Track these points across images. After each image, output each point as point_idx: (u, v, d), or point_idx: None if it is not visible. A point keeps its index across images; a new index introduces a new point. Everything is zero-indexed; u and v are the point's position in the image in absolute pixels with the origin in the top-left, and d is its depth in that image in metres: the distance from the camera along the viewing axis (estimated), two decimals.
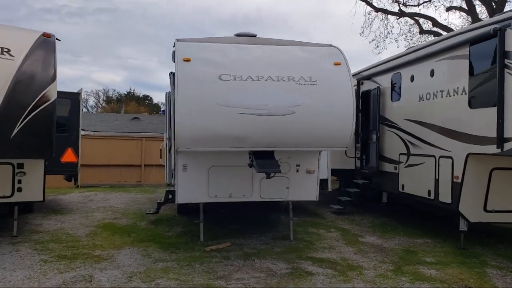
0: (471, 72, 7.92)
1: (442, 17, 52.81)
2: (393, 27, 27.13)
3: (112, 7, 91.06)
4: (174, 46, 7.37)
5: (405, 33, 25.53)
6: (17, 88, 6.87)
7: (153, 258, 7.63)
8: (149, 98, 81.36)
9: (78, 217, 11.43)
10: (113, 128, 24.52)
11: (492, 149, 7.26)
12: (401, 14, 24.96)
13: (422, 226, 10.45)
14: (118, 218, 11.36)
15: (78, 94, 12.10)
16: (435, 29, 24.47)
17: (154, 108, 74.54)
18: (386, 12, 24.72)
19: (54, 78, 7.28)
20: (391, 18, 25.08)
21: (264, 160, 7.23)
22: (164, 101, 20.00)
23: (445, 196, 8.60)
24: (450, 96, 8.51)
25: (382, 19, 25.01)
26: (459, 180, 8.18)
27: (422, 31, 25.44)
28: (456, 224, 8.52)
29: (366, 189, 12.09)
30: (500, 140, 7.09)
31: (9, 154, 7.37)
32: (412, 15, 25.12)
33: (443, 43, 8.85)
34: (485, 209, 8.23)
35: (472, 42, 7.89)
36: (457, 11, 25.89)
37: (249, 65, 7.05)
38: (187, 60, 6.87)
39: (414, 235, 9.61)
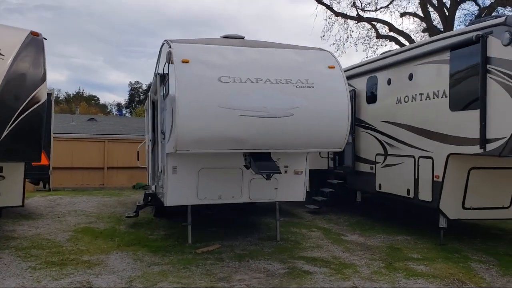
0: (452, 76, 8.31)
1: (398, 23, 54.52)
2: (352, 31, 27.63)
3: (57, 5, 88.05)
4: (169, 47, 7.29)
5: (363, 38, 26.25)
6: (7, 89, 6.60)
7: (145, 262, 7.52)
8: (96, 98, 79.28)
9: (51, 222, 11.06)
10: (71, 129, 23.76)
11: (475, 149, 7.66)
12: (359, 18, 25.66)
13: (397, 224, 10.82)
14: (93, 222, 11.08)
15: (49, 95, 11.67)
16: (392, 34, 25.33)
17: (104, 109, 72.64)
18: (345, 16, 25.34)
19: (44, 78, 7.05)
20: (351, 22, 25.74)
21: (263, 162, 7.30)
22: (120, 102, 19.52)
23: (425, 195, 8.97)
24: (430, 99, 8.89)
25: (342, 23, 25.63)
26: (440, 179, 8.56)
27: (378, 36, 26.28)
28: (432, 221, 8.91)
29: (340, 189, 12.39)
30: (483, 141, 7.49)
31: None
32: (369, 20, 25.88)
33: (422, 48, 9.24)
34: (463, 207, 8.65)
35: (453, 48, 8.28)
36: (412, 17, 26.94)
37: (248, 67, 7.10)
38: (186, 62, 6.83)
39: (393, 233, 9.95)
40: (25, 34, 7.12)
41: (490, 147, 7.43)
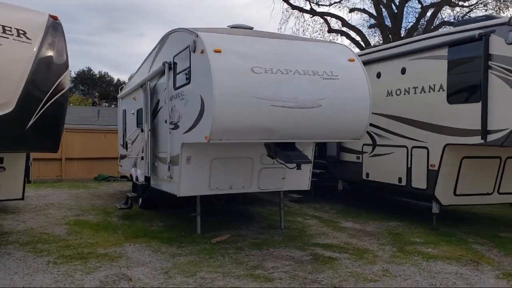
0: (450, 71, 8.87)
1: (347, 18, 56.02)
2: (309, 25, 28.19)
3: None
4: (195, 36, 7.20)
5: (317, 31, 26.89)
6: (36, 75, 6.25)
7: (167, 254, 7.45)
8: None
9: (35, 215, 10.56)
10: None
11: (476, 140, 8.26)
12: (313, 12, 26.22)
13: (383, 211, 11.38)
14: (81, 215, 10.71)
15: None
16: (344, 29, 26.14)
17: None
18: (301, 10, 25.80)
19: (67, 65, 6.73)
20: (307, 16, 26.26)
21: (292, 152, 7.45)
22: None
23: (419, 183, 9.53)
24: (425, 92, 9.43)
25: (298, 17, 26.08)
26: (436, 168, 9.14)
27: (330, 30, 27.01)
28: (416, 208, 9.47)
29: (322, 179, 12.79)
30: (484, 132, 8.10)
31: (20, 147, 6.69)
32: (322, 14, 26.53)
33: (416, 44, 9.75)
34: (454, 193, 9.29)
35: (452, 44, 8.83)
36: (360, 13, 27.91)
37: (277, 58, 7.18)
38: (218, 52, 6.80)
39: (383, 219, 10.46)
40: (46, 17, 6.74)
41: (491, 137, 8.04)
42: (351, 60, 7.66)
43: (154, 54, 10.14)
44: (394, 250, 7.85)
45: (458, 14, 27.55)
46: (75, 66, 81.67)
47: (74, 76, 64.83)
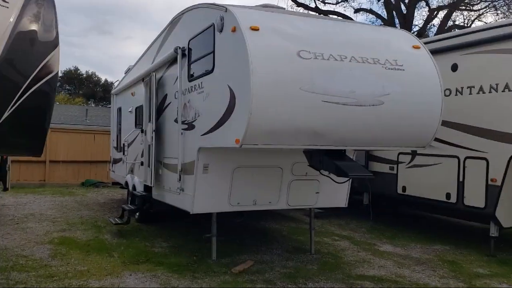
0: None
1: (354, 17, 54.85)
2: None
3: None
4: (224, 11, 5.60)
5: None
6: (12, 53, 4.60)
7: None
8: None
9: (11, 230, 8.82)
10: None
11: None
12: (318, 10, 24.79)
13: (417, 230, 9.85)
14: (67, 230, 8.99)
15: None
16: None
17: None
18: (306, 7, 24.38)
19: (56, 43, 5.08)
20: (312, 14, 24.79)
21: (345, 162, 5.86)
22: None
23: (475, 200, 8.00)
24: (484, 93, 7.93)
25: None
26: (498, 183, 7.63)
27: None
28: (452, 227, 7.95)
29: None
30: None
31: None
32: (327, 13, 25.11)
33: (473, 36, 8.26)
34: None
35: None
36: (366, 13, 26.57)
37: (329, 41, 5.61)
38: (255, 29, 5.20)
39: (425, 242, 8.91)
40: None
41: None
42: (416, 47, 6.12)
43: (161, 40, 8.49)
44: (462, 287, 6.29)
45: (468, 18, 26.40)
46: (61, 66, 79.56)
47: (61, 75, 62.91)
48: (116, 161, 12.43)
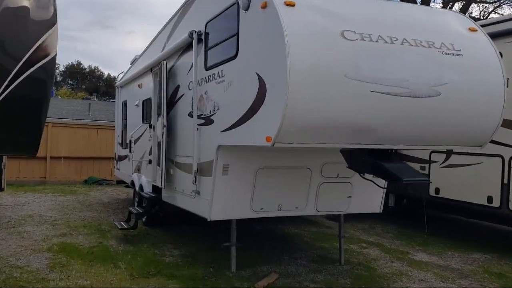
0: None
1: None
2: None
3: None
4: None
5: None
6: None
7: None
8: None
9: (6, 234, 8.02)
10: None
11: None
12: None
13: (449, 236, 9.01)
14: (68, 234, 8.18)
15: None
16: None
17: None
18: None
19: (54, 20, 4.25)
20: None
21: (395, 164, 5.01)
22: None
23: None
24: None
25: None
26: None
27: None
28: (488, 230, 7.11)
29: None
30: None
31: None
32: None
33: None
34: None
35: None
36: None
37: (376, 20, 4.76)
38: (291, 5, 4.35)
39: (462, 249, 8.07)
40: None
41: None
42: (473, 30, 5.26)
43: (172, 25, 7.65)
44: None
45: (484, 10, 25.52)
46: (63, 61, 78.83)
47: (63, 69, 62.18)
48: (121, 158, 11.60)
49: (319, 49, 4.29)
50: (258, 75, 4.62)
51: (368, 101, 4.45)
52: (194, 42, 6.27)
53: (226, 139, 5.41)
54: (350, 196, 6.51)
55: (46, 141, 16.19)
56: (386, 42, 4.58)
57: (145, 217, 8.73)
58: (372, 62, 4.47)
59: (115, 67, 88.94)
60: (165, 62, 7.36)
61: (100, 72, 62.67)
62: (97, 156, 16.86)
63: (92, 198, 12.58)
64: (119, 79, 12.02)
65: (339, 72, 4.30)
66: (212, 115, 5.82)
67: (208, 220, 5.85)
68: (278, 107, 4.22)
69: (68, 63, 61.43)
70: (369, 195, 6.64)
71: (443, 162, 8.64)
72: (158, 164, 7.59)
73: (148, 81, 8.91)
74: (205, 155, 6.05)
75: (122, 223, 8.15)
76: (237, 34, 5.14)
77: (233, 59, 5.26)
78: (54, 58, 4.22)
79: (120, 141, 11.64)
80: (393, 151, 5.17)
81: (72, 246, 7.36)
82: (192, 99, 6.46)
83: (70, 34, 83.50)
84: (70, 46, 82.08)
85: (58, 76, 63.56)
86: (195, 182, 6.20)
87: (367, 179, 5.75)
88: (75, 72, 61.73)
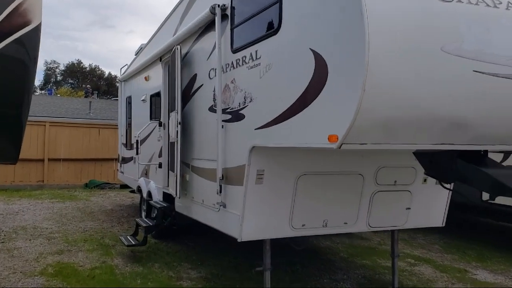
0: None
1: None
2: None
3: None
4: None
5: None
6: None
7: None
8: None
9: None
10: None
11: None
12: None
13: (501, 247, 7.82)
14: (65, 251, 7.00)
15: None
16: None
17: None
18: None
19: None
20: None
21: (499, 170, 3.80)
22: None
23: None
24: None
25: None
26: None
27: None
28: None
29: None
30: None
31: None
32: None
33: None
34: None
35: None
36: None
37: None
38: None
39: None
40: None
41: None
42: None
43: (187, 3, 6.43)
44: None
45: None
46: (64, 60, 77.78)
47: (63, 69, 61.04)
48: (125, 160, 10.41)
49: (408, 12, 3.09)
50: (314, 52, 3.42)
51: (470, 85, 3.25)
52: (217, 19, 5.06)
53: (263, 138, 4.22)
54: (409, 208, 5.31)
55: (43, 142, 15.03)
56: (488, 5, 3.37)
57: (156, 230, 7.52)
58: (475, 32, 3.26)
59: (116, 66, 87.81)
60: (178, 47, 6.14)
61: (101, 71, 61.48)
62: (98, 157, 15.70)
63: (93, 205, 11.39)
64: (122, 72, 10.82)
65: (434, 44, 3.10)
66: (242, 108, 4.63)
67: (239, 241, 4.65)
68: (350, 94, 3.02)
69: (68, 62, 60.34)
70: (430, 206, 5.45)
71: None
72: (172, 169, 6.39)
73: (157, 73, 7.72)
74: (232, 159, 4.86)
75: (129, 237, 6.97)
76: (280, 1, 3.93)
77: (273, 35, 4.06)
78: (37, 29, 3.03)
79: (124, 142, 10.45)
80: (485, 152, 3.96)
81: (70, 267, 6.18)
82: (214, 90, 5.28)
83: (70, 34, 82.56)
84: (70, 46, 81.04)
85: (58, 75, 62.61)
86: (220, 192, 5.00)
87: (448, 189, 4.56)
88: (76, 71, 60.60)
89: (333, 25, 3.25)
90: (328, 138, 3.25)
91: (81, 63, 61.12)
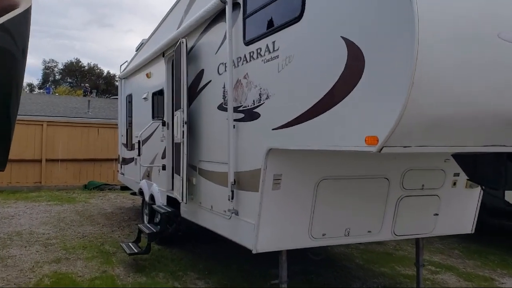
0: None
1: None
2: None
3: None
4: None
5: None
6: None
7: None
8: None
9: None
10: None
11: None
12: None
13: None
14: (63, 259, 6.56)
15: None
16: None
17: None
18: None
19: None
20: None
21: None
22: None
23: None
24: None
25: None
26: None
27: None
28: None
29: None
30: None
31: None
32: None
33: None
34: None
35: None
36: None
37: None
38: None
39: None
40: None
41: None
42: None
43: None
44: None
45: None
46: (62, 59, 77.29)
47: (62, 68, 60.49)
48: (126, 161, 9.96)
49: None
50: (346, 40, 2.98)
51: None
52: (228, 8, 4.62)
53: (283, 140, 3.78)
54: (437, 214, 4.89)
55: (41, 142, 14.57)
56: None
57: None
58: None
59: (114, 66, 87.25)
60: (184, 40, 5.69)
61: (100, 69, 60.95)
62: (98, 157, 15.26)
63: (92, 208, 10.94)
64: (122, 69, 10.37)
65: (491, 30, 2.66)
66: (257, 106, 4.18)
67: (253, 252, 4.21)
68: (394, 88, 2.58)
69: (67, 61, 59.79)
70: (459, 211, 5.02)
71: None
72: (177, 172, 5.94)
73: (160, 69, 7.27)
74: (245, 162, 4.42)
75: (130, 245, 6.52)
76: None
77: (294, 23, 3.62)
78: (27, 14, 2.57)
79: (125, 142, 10.00)
80: None
81: (68, 278, 5.73)
82: (224, 87, 4.84)
83: (68, 33, 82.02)
84: (68, 45, 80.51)
85: (56, 74, 62.09)
86: (232, 198, 4.56)
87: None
88: (74, 70, 60.09)
89: (371, 7, 2.81)
90: (366, 140, 2.82)
91: (80, 61, 60.63)
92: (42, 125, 14.65)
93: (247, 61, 4.39)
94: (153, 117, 7.65)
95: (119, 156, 10.59)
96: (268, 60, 3.99)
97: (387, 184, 4.57)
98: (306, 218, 4.30)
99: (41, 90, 52.09)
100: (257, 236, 4.14)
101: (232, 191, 4.56)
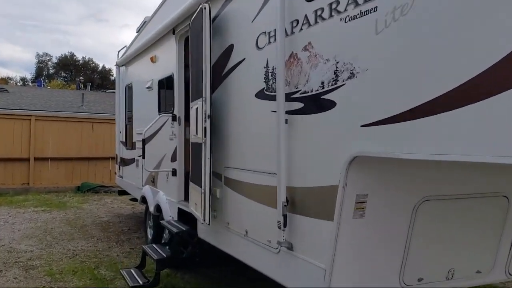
0: None
1: None
2: None
3: None
4: None
5: None
6: None
7: None
8: None
9: None
10: None
11: None
12: None
13: None
14: (52, 284, 5.13)
15: None
16: None
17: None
18: None
19: None
20: None
21: None
22: None
23: None
24: None
25: None
26: None
27: None
28: None
29: None
30: None
31: None
32: None
33: None
34: None
35: None
36: None
37: None
38: None
39: None
40: None
41: None
42: None
43: None
44: None
45: None
46: (56, 53, 75.47)
47: (56, 61, 58.84)
48: (125, 162, 8.51)
49: None
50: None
51: None
52: None
53: (385, 142, 2.38)
54: None
55: (29, 138, 13.11)
56: None
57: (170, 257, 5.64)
58: None
59: (110, 61, 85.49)
60: (206, 5, 4.24)
61: (95, 64, 59.42)
62: (92, 156, 13.81)
63: (86, 215, 9.50)
64: (120, 56, 8.92)
65: None
66: (330, 91, 2.77)
67: None
68: None
69: (61, 55, 58.16)
70: None
71: None
72: (195, 181, 4.51)
73: (169, 50, 5.85)
74: (305, 174, 3.03)
75: (133, 272, 5.11)
76: None
77: None
78: None
79: (124, 140, 8.57)
80: None
81: None
82: (267, 66, 3.43)
83: (63, 28, 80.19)
84: (63, 40, 78.72)
85: (50, 68, 60.49)
86: (285, 225, 3.15)
87: None
88: (69, 64, 58.56)
89: None
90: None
91: (74, 55, 59.08)
92: (30, 119, 13.18)
93: (310, 24, 2.97)
94: (159, 111, 6.24)
95: (116, 156, 9.14)
96: (354, 18, 2.58)
97: (507, 204, 3.20)
98: (397, 257, 2.93)
99: (33, 84, 50.48)
100: (331, 284, 2.76)
101: (285, 215, 3.15)
